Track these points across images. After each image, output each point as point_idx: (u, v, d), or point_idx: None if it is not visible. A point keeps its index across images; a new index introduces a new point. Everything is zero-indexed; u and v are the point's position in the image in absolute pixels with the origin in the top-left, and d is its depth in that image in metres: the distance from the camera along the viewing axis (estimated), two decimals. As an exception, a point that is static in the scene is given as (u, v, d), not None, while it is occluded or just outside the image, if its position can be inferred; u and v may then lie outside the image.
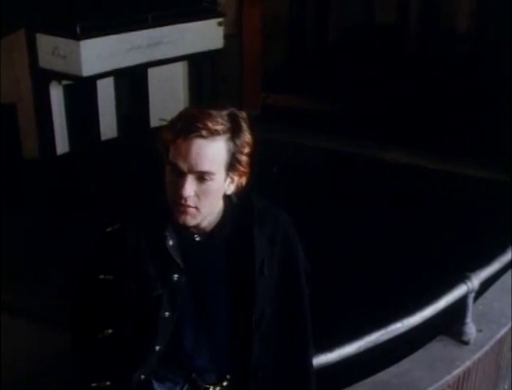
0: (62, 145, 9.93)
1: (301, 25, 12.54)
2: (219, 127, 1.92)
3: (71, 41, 9.08)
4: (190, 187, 1.93)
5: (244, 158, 1.99)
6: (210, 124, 1.91)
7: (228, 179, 2.01)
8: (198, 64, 10.98)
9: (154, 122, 10.04)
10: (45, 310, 6.31)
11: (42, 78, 9.53)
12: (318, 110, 10.76)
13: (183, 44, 10.28)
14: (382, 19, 11.96)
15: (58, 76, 9.54)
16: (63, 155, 9.94)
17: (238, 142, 1.96)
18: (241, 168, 2.00)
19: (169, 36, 10.08)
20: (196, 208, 1.97)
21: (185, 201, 1.95)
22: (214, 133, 1.91)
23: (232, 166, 1.98)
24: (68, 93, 9.87)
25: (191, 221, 1.99)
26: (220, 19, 10.78)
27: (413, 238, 7.09)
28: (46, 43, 9.26)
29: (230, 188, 2.04)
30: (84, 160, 9.58)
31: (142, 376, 2.13)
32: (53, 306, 6.08)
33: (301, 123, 10.37)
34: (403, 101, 10.05)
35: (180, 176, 1.94)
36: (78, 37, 9.05)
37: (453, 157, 9.10)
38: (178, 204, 1.96)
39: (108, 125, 10.09)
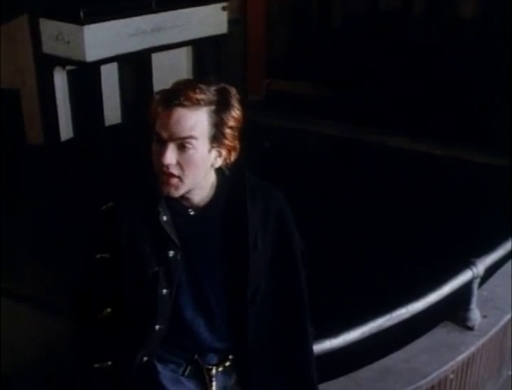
0: (66, 130, 9.92)
1: (305, 11, 12.47)
2: (200, 97, 1.94)
3: (74, 26, 9.05)
4: (171, 154, 1.95)
5: (229, 132, 2.01)
6: (191, 94, 1.94)
7: (214, 152, 2.02)
8: (202, 49, 10.94)
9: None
10: (50, 297, 6.32)
11: (46, 63, 9.51)
12: (321, 96, 10.73)
13: (187, 29, 10.25)
14: (386, 6, 11.90)
15: (62, 62, 9.51)
16: (67, 141, 9.93)
17: (223, 115, 1.98)
18: (227, 142, 2.01)
19: (173, 22, 10.05)
20: (179, 178, 1.98)
21: (167, 168, 1.96)
22: (195, 103, 1.94)
23: (216, 138, 1.99)
24: (72, 79, 9.85)
25: (174, 192, 2.01)
26: (224, 4, 10.74)
27: (417, 224, 7.08)
28: (50, 28, 9.23)
29: (217, 162, 2.05)
30: (89, 146, 9.57)
31: (145, 358, 2.14)
32: (57, 292, 6.10)
33: (305, 109, 10.34)
34: (407, 88, 10.01)
35: (162, 145, 1.96)
36: (82, 22, 9.02)
37: (457, 143, 9.08)
38: (162, 173, 1.98)
39: (112, 110, 10.08)
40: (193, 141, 1.96)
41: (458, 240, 6.03)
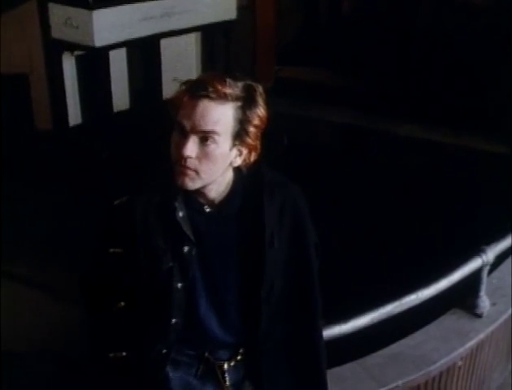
0: (74, 116, 9.92)
1: (315, -3, 12.42)
2: (228, 91, 1.90)
3: (83, 11, 9.01)
4: (191, 147, 1.91)
5: (252, 130, 1.96)
6: (219, 87, 1.89)
7: (235, 151, 1.98)
8: (211, 35, 10.91)
9: (167, 93, 10.00)
10: (58, 283, 6.34)
11: (55, 48, 9.48)
12: (331, 83, 10.68)
13: (196, 14, 10.20)
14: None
15: (71, 47, 9.48)
16: (76, 126, 9.93)
17: (249, 113, 1.94)
18: (249, 140, 1.97)
19: (182, 7, 9.99)
20: (195, 171, 1.94)
21: (185, 161, 1.92)
22: (222, 97, 1.90)
23: (239, 135, 1.95)
24: (81, 64, 9.83)
25: (189, 184, 1.96)
26: (234, -10, 10.70)
27: (426, 212, 7.06)
28: (59, 13, 9.20)
29: (237, 161, 2.01)
30: (97, 131, 9.56)
31: (164, 350, 2.12)
32: (64, 279, 6.13)
33: (314, 96, 10.30)
34: (417, 75, 9.96)
35: (184, 136, 1.92)
36: (91, 7, 8.97)
37: (467, 131, 9.03)
38: (178, 164, 1.94)
39: (120, 96, 10.07)
40: (216, 136, 1.92)
41: (467, 227, 6.01)
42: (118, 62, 9.95)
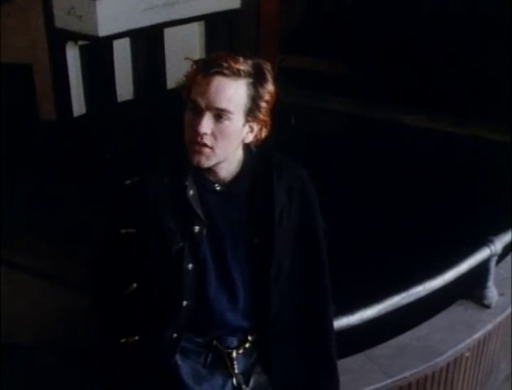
0: (78, 106, 9.90)
1: (318, -15, 12.35)
2: (241, 68, 1.94)
3: (87, 1, 8.96)
4: (207, 124, 1.93)
5: (264, 105, 2.00)
6: (233, 63, 1.93)
7: (247, 127, 2.01)
8: (215, 24, 10.86)
9: (171, 83, 9.98)
10: (62, 273, 6.35)
11: (58, 38, 9.44)
12: (335, 72, 10.64)
13: (199, 4, 10.16)
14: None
15: (75, 36, 9.45)
16: (80, 117, 9.91)
17: (260, 89, 1.98)
18: (261, 116, 2.00)
19: (185, -4, 9.97)
20: (211, 148, 1.96)
21: (201, 138, 1.94)
22: (235, 73, 1.93)
23: (251, 111, 1.98)
24: (84, 54, 9.80)
25: (205, 162, 1.98)
26: (237, -21, 10.64)
27: (431, 202, 7.04)
28: (62, 2, 9.15)
29: (249, 137, 2.04)
30: (101, 122, 9.54)
31: (175, 334, 2.12)
32: (68, 268, 6.13)
33: (318, 85, 10.26)
34: (422, 63, 9.91)
35: (198, 113, 1.94)
36: (94, -3, 8.96)
37: (473, 120, 8.99)
38: (194, 142, 1.96)
39: (124, 86, 10.04)
40: (230, 112, 1.94)
41: (472, 217, 6.00)
42: (122, 52, 9.91)
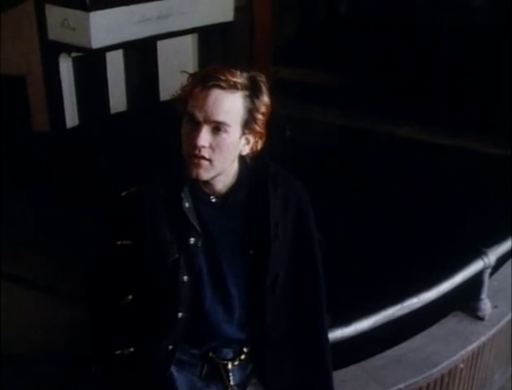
0: (71, 118, 9.89)
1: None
2: (238, 81, 1.94)
3: (80, 13, 9.00)
4: (205, 137, 1.93)
5: (260, 118, 2.00)
6: (229, 76, 1.93)
7: (244, 139, 2.02)
8: (208, 37, 10.89)
9: (164, 95, 9.99)
10: (59, 285, 6.34)
11: (52, 50, 9.47)
12: (329, 84, 10.68)
13: (193, 16, 10.20)
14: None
15: (68, 48, 9.48)
16: (73, 128, 9.91)
17: (256, 101, 1.98)
18: (257, 128, 2.01)
19: (179, 8, 9.99)
20: (209, 161, 1.96)
21: (199, 151, 1.94)
22: (232, 86, 1.93)
23: (248, 123, 1.99)
24: (78, 66, 9.82)
25: (204, 174, 1.98)
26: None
27: (425, 214, 7.06)
28: (56, 14, 9.18)
29: (245, 149, 2.04)
30: (94, 133, 9.54)
31: (170, 346, 2.12)
32: (66, 281, 6.12)
33: (312, 97, 10.29)
34: (415, 75, 9.95)
35: (196, 126, 1.94)
36: (88, 9, 8.97)
37: (465, 132, 9.03)
38: (192, 156, 1.96)
39: (117, 98, 10.04)
40: (228, 125, 1.95)
41: (469, 229, 6.01)
42: (115, 64, 9.92)
